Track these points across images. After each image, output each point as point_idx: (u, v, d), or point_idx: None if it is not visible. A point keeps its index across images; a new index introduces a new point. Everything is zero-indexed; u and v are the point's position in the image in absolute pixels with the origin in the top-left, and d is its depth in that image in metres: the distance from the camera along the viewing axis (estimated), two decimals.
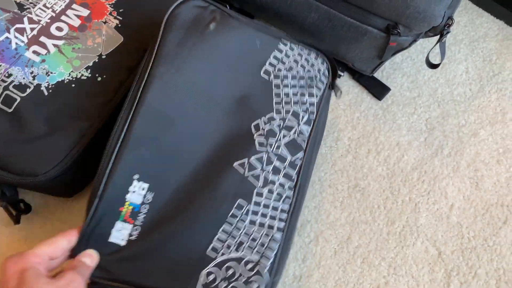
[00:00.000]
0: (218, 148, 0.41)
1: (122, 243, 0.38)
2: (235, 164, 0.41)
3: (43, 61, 0.50)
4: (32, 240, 0.51)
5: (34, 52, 0.50)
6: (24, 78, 0.49)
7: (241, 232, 0.40)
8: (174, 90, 0.41)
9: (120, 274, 0.37)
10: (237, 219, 0.40)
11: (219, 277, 0.38)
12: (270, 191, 0.42)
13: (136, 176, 0.39)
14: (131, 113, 0.40)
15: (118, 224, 0.38)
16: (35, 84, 0.49)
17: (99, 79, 0.50)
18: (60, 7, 0.53)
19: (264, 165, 0.42)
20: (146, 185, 0.39)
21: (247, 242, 0.40)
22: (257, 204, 0.41)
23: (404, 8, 0.49)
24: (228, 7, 0.61)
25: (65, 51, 0.51)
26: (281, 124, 0.43)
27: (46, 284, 0.34)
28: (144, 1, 0.53)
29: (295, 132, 0.43)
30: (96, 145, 0.50)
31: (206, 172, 0.40)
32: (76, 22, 0.52)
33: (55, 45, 0.51)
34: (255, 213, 0.41)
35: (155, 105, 0.40)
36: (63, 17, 0.52)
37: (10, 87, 0.48)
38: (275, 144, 0.42)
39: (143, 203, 0.39)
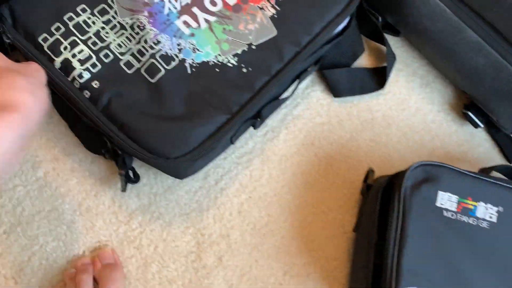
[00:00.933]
0: None
1: None
2: None
3: (192, 35, 0.47)
4: (134, 212, 0.50)
5: (185, 22, 0.47)
6: (171, 49, 0.46)
7: None
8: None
9: None
10: None
11: None
12: None
13: None
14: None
15: None
16: (180, 59, 0.46)
17: (245, 70, 0.47)
18: None
19: None
20: None
21: None
22: None
23: None
24: (380, 20, 0.57)
25: (215, 30, 0.48)
26: None
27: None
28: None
29: None
30: (228, 138, 0.48)
31: None
32: (232, 0, 0.48)
33: (206, 20, 0.48)
34: None
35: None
36: None
37: (157, 56, 0.46)
38: None
39: None
